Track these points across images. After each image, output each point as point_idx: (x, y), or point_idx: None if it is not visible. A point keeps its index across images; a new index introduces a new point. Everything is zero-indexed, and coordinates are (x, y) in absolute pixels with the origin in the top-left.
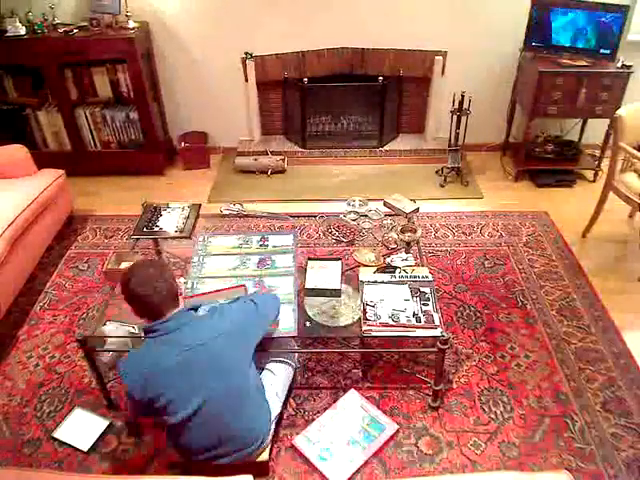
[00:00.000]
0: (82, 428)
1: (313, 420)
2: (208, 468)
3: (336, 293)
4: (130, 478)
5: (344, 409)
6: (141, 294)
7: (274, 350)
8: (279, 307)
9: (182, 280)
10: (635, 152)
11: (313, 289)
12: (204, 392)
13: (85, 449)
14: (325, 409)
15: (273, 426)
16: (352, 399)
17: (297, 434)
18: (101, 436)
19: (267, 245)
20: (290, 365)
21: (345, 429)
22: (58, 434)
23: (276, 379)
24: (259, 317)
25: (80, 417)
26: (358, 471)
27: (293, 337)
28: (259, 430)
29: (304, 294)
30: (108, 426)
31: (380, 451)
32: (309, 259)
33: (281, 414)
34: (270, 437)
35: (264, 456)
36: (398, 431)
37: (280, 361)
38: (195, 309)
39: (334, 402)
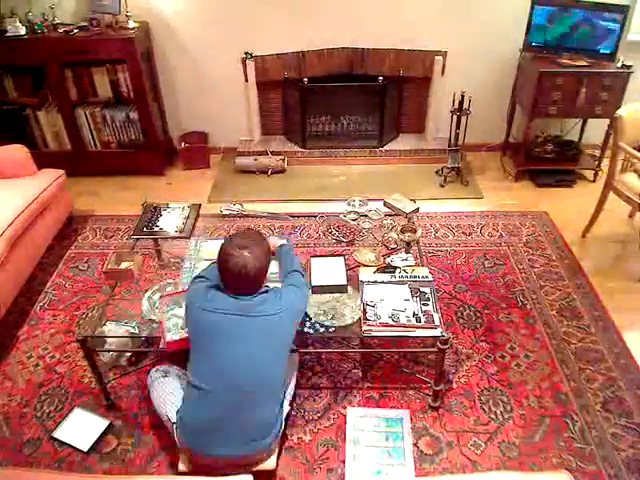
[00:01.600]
0: (82, 428)
1: (313, 420)
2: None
3: (343, 288)
4: (130, 478)
5: (357, 430)
6: (231, 274)
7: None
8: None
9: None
10: (635, 152)
11: (320, 286)
12: (242, 356)
13: (85, 449)
14: (325, 409)
15: (281, 428)
16: (353, 414)
17: (297, 434)
18: (101, 436)
19: None
20: (292, 364)
21: (379, 450)
22: (58, 434)
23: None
24: (300, 302)
25: (80, 417)
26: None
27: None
28: (269, 425)
29: (311, 292)
30: (108, 426)
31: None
32: (312, 257)
33: (287, 414)
34: (277, 439)
35: (271, 464)
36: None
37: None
38: (267, 291)
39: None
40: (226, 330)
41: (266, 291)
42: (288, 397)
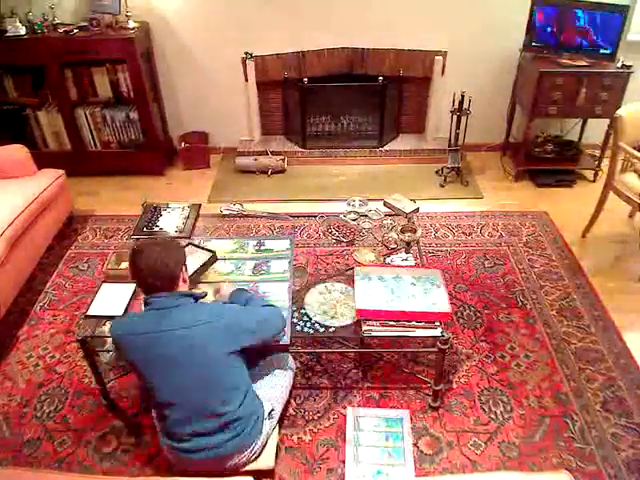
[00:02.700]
0: (111, 299)
1: (313, 420)
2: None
3: None
4: (130, 478)
5: (357, 430)
6: (139, 268)
7: (274, 351)
8: (283, 327)
9: None
10: (635, 152)
11: None
12: (178, 375)
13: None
14: (325, 409)
15: (261, 441)
16: (353, 414)
17: (297, 434)
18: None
19: (262, 250)
20: (289, 369)
21: (379, 450)
22: (91, 311)
23: (274, 388)
24: (259, 327)
25: (108, 290)
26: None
27: (286, 346)
28: (247, 419)
29: None
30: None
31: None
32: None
33: (281, 416)
34: (264, 437)
35: (269, 463)
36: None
37: (278, 367)
38: (196, 298)
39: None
40: (154, 352)
41: (192, 296)
42: (273, 406)
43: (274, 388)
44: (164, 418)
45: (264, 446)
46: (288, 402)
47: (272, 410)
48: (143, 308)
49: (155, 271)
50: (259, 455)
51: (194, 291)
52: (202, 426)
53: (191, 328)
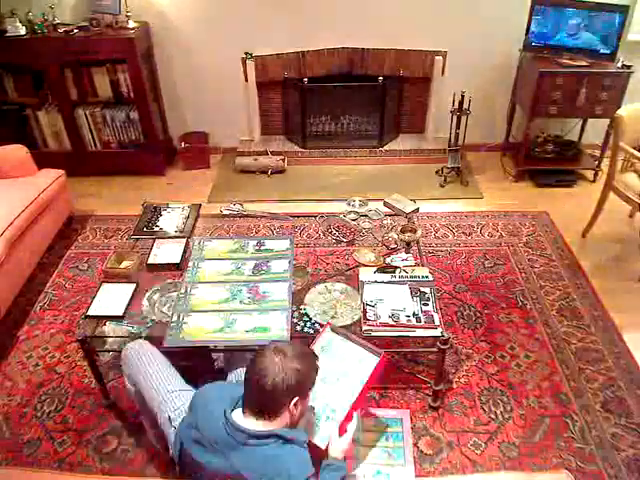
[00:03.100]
0: (112, 299)
1: None
2: None
3: None
4: (130, 478)
5: (357, 430)
6: (247, 377)
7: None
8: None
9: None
10: (635, 152)
11: None
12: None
13: (120, 314)
14: None
15: None
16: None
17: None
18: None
19: (263, 250)
20: None
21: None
22: (91, 312)
23: None
24: None
25: (107, 290)
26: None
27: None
28: None
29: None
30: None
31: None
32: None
33: None
34: None
35: None
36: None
37: None
38: (284, 440)
39: None
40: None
41: (277, 438)
42: None
43: None
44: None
45: None
46: None
47: None
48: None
49: (260, 383)
50: None
51: (289, 431)
52: None
53: (233, 471)
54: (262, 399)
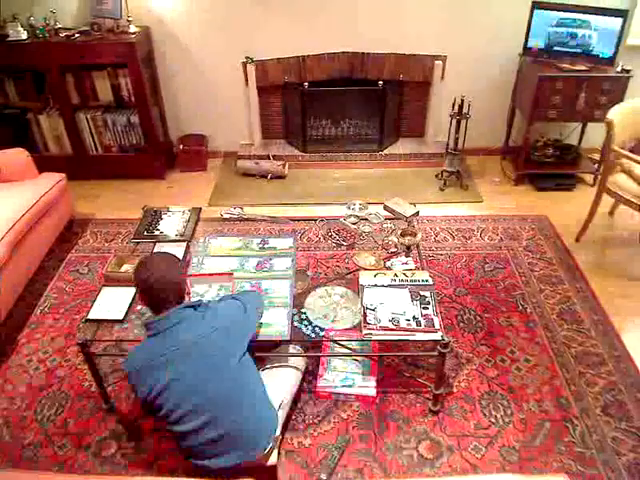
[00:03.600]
0: (112, 303)
1: (313, 424)
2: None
3: None
4: (130, 478)
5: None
6: (149, 284)
7: (274, 354)
8: (263, 303)
9: None
10: (628, 154)
11: None
12: (200, 389)
13: (121, 318)
14: (326, 413)
15: (280, 428)
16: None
17: (297, 438)
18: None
19: (266, 248)
20: (296, 369)
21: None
22: (91, 316)
23: (282, 382)
24: (246, 314)
25: (108, 294)
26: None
27: (287, 341)
28: (265, 428)
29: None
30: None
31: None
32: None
33: (288, 417)
34: (277, 440)
35: (272, 459)
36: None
37: (286, 365)
38: (195, 307)
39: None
40: (177, 370)
41: (193, 307)
42: (282, 397)
43: (282, 382)
44: (190, 443)
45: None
46: (295, 402)
47: (282, 402)
48: (145, 335)
49: (164, 284)
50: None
51: (192, 301)
52: (233, 437)
53: (206, 337)
54: (172, 293)
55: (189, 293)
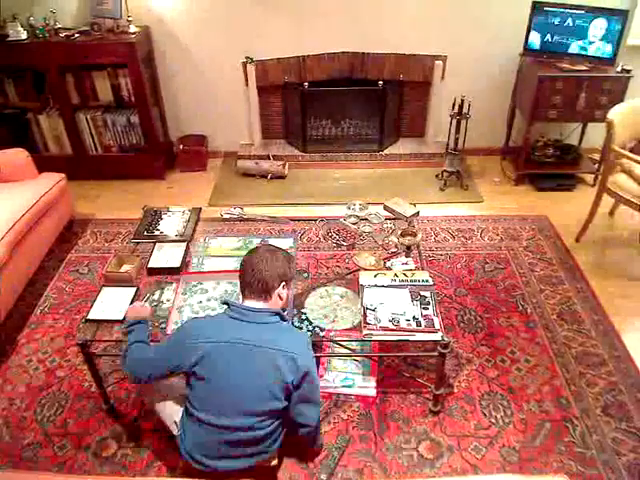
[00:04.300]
0: (111, 303)
1: None
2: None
3: None
4: (130, 479)
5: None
6: (245, 265)
7: None
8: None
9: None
10: (628, 154)
11: None
12: (232, 385)
13: (120, 318)
14: (326, 414)
15: (282, 433)
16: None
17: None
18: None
19: None
20: None
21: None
22: (91, 316)
23: None
24: (311, 395)
25: (107, 294)
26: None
27: None
28: (269, 440)
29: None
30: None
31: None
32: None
33: None
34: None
35: (272, 461)
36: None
37: None
38: (283, 319)
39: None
40: (222, 359)
41: (279, 315)
42: None
43: None
44: (203, 437)
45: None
46: None
47: None
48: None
49: (256, 272)
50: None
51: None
52: (247, 443)
53: (268, 349)
54: (258, 283)
55: (282, 298)
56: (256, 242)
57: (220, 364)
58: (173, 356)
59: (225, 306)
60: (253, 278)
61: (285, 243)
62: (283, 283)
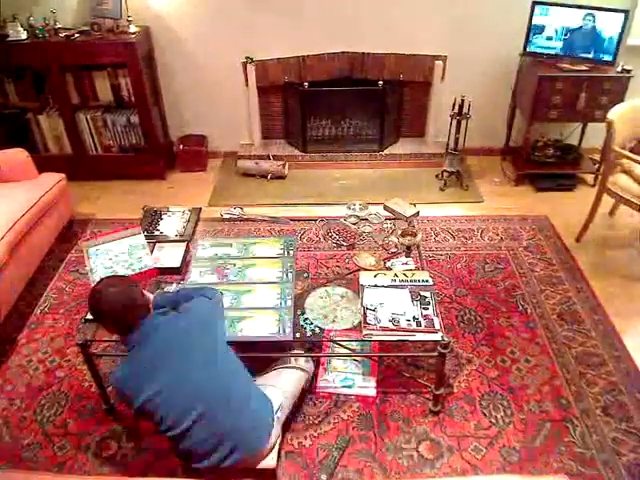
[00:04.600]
0: None
1: (314, 424)
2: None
3: None
4: (129, 479)
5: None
6: (111, 317)
7: (274, 355)
8: (218, 293)
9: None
10: (629, 154)
11: None
12: (187, 387)
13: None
14: (326, 414)
15: (277, 423)
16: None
17: (297, 438)
18: None
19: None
20: (302, 370)
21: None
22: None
23: (282, 383)
24: (215, 307)
25: None
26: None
27: (288, 341)
28: (260, 424)
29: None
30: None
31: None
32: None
33: (289, 419)
34: (275, 437)
35: (271, 462)
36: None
37: (290, 367)
38: (165, 313)
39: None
40: (156, 377)
41: (163, 314)
42: (281, 396)
43: (282, 383)
44: (186, 445)
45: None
46: (299, 405)
47: (280, 404)
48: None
49: (126, 309)
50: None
51: (161, 310)
52: (227, 433)
53: (185, 333)
54: (126, 317)
55: (149, 301)
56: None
57: (160, 390)
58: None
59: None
60: (131, 315)
61: (271, 252)
62: (143, 292)
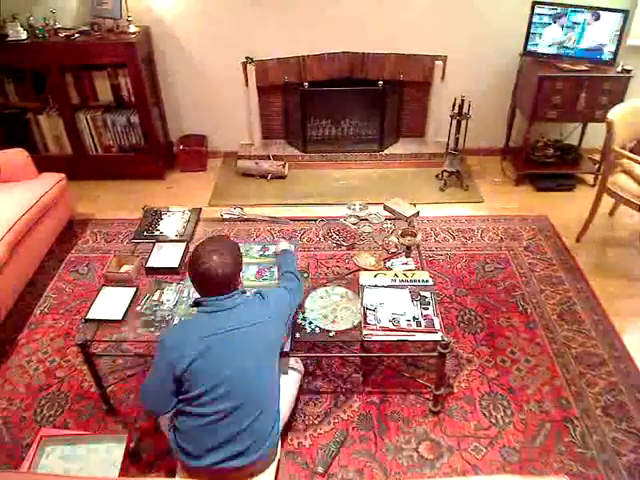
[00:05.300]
0: (111, 303)
1: (313, 424)
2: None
3: None
4: (127, 479)
5: None
6: (197, 274)
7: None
8: (302, 294)
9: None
10: (629, 154)
11: None
12: (233, 372)
13: (119, 318)
14: (325, 414)
15: (280, 432)
16: None
17: (297, 438)
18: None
19: (267, 255)
20: (297, 371)
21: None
22: (90, 315)
23: (287, 384)
24: (290, 306)
25: (107, 294)
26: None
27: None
28: (270, 430)
29: None
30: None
31: None
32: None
33: (288, 421)
34: (278, 447)
35: (271, 473)
36: None
37: (290, 368)
38: (244, 292)
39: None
40: (213, 352)
41: (244, 293)
42: (288, 404)
43: (287, 392)
44: (204, 431)
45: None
46: (295, 408)
47: (283, 416)
48: (193, 310)
49: (212, 279)
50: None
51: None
52: (249, 434)
53: (255, 325)
54: (219, 286)
55: (241, 281)
56: (256, 249)
57: (212, 361)
58: (165, 375)
59: (196, 307)
60: (210, 285)
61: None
62: (240, 269)
